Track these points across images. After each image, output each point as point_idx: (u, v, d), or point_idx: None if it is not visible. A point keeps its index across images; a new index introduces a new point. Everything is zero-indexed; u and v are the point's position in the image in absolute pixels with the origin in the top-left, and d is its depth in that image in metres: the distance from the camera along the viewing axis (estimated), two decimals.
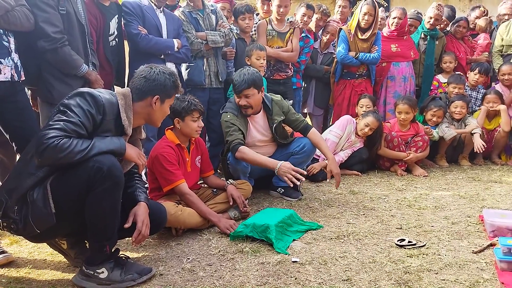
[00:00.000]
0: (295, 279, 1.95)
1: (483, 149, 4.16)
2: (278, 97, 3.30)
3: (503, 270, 1.97)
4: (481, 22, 5.24)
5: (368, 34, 4.39)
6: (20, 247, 2.41)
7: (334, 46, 4.89)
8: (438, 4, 4.87)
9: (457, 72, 4.82)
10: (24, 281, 2.01)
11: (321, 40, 4.82)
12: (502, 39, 4.90)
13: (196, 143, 2.86)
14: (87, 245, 2.10)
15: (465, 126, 4.38)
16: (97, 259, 1.90)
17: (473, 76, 4.71)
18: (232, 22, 4.27)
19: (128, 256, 2.07)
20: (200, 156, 2.90)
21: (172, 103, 2.15)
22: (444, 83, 4.76)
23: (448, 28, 5.24)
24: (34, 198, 1.76)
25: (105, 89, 2.08)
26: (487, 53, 5.10)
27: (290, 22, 4.27)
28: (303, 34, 4.45)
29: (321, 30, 4.85)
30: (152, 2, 3.44)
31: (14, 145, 2.54)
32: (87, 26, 2.86)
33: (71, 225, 1.89)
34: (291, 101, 4.30)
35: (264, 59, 3.79)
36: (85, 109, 1.79)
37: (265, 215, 2.56)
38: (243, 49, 4.10)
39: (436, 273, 1.97)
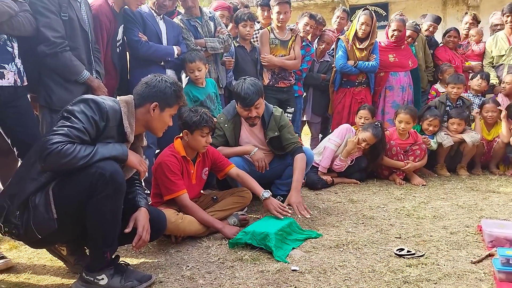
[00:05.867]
0: (295, 287, 1.96)
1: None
2: (279, 111, 3.24)
3: (502, 280, 1.98)
4: (473, 32, 5.33)
5: (365, 43, 4.44)
6: (20, 253, 2.40)
7: (330, 55, 4.95)
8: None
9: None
10: (23, 287, 2.01)
11: (317, 49, 4.86)
12: (491, 51, 5.04)
13: (204, 155, 2.81)
14: (87, 251, 2.10)
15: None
16: (97, 265, 1.90)
17: (476, 82, 4.78)
18: (231, 29, 4.29)
19: (128, 263, 2.07)
20: (207, 168, 2.87)
21: (174, 113, 2.13)
22: (443, 92, 4.80)
23: (435, 34, 5.34)
24: (36, 203, 1.76)
25: (108, 96, 2.09)
26: (480, 62, 5.18)
27: (291, 29, 4.31)
28: (304, 43, 4.49)
29: (317, 39, 4.90)
30: (153, 10, 3.47)
31: (15, 150, 2.54)
32: (91, 34, 2.87)
33: (72, 230, 1.89)
34: (293, 109, 4.34)
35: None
36: (89, 115, 1.81)
37: (265, 223, 2.56)
38: (243, 56, 4.13)
39: (435, 283, 1.98)
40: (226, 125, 3.13)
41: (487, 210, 3.15)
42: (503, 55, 4.96)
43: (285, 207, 2.71)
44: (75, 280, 1.96)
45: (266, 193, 2.74)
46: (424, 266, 2.15)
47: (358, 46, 4.47)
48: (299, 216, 2.88)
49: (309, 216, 2.90)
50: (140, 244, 2.00)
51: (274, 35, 4.22)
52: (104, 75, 3.07)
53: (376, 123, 3.99)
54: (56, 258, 2.17)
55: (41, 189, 1.79)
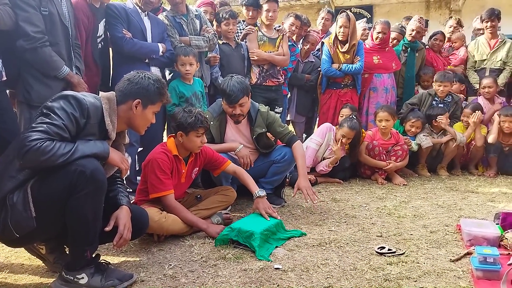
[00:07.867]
0: (278, 286, 1.96)
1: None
2: (265, 108, 3.27)
3: (479, 278, 2.03)
4: (454, 36, 5.43)
5: (347, 46, 4.47)
6: None
7: (314, 56, 4.98)
8: (420, 17, 5.04)
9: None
10: (0, 286, 1.96)
11: (301, 49, 4.88)
12: (474, 56, 5.15)
13: (197, 155, 2.78)
14: (67, 250, 2.07)
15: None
16: (78, 264, 1.87)
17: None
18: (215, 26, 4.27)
19: (109, 262, 2.04)
20: (197, 168, 2.85)
21: (157, 110, 2.11)
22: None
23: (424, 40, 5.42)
24: (14, 202, 1.72)
25: (90, 93, 2.05)
26: (462, 65, 5.28)
27: (278, 29, 4.32)
28: (289, 43, 4.50)
29: (302, 40, 4.92)
30: (138, 6, 3.43)
31: None
32: (71, 29, 2.83)
33: (52, 229, 1.85)
34: (281, 108, 4.34)
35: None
36: (69, 112, 1.77)
37: (251, 220, 2.56)
38: (229, 52, 4.11)
39: (415, 281, 2.01)
40: (211, 123, 3.13)
41: (466, 209, 3.22)
42: (485, 60, 5.07)
43: (274, 211, 2.72)
44: (54, 279, 1.92)
45: (261, 192, 2.76)
46: (405, 264, 2.19)
47: (341, 49, 4.50)
48: (307, 202, 3.04)
49: (316, 202, 3.03)
50: (121, 243, 1.97)
51: (262, 32, 4.22)
52: (85, 72, 3.02)
53: (350, 116, 4.03)
54: (35, 257, 2.13)
55: (19, 187, 1.75)
